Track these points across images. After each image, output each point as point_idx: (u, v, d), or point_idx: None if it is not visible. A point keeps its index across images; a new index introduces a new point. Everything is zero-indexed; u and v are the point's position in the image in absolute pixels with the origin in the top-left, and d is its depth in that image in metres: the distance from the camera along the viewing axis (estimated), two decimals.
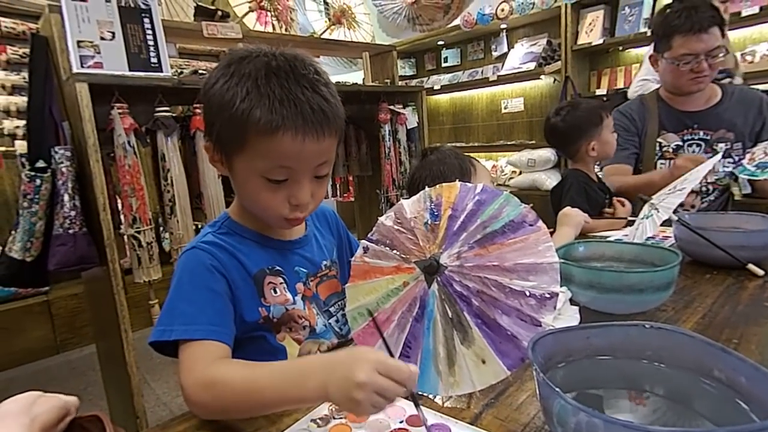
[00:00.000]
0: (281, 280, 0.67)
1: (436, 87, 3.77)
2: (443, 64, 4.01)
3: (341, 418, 0.52)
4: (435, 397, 0.56)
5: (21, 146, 2.42)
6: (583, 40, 2.79)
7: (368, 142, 2.24)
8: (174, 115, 1.42)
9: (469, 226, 0.59)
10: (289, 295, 0.67)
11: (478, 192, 0.62)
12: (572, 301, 0.79)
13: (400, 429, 0.50)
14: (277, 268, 0.67)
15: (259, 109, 0.54)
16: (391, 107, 1.96)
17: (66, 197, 1.26)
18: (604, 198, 1.47)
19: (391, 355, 0.50)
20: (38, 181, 1.24)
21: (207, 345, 0.55)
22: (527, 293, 0.54)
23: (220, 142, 0.59)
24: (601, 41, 2.69)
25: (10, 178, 2.51)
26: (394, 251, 0.64)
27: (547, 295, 0.54)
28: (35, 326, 2.41)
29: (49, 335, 2.45)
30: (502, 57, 3.43)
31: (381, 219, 0.68)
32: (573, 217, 1.15)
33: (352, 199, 2.48)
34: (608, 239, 1.07)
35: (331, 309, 0.74)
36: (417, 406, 0.46)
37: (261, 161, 0.57)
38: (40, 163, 1.28)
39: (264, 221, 0.65)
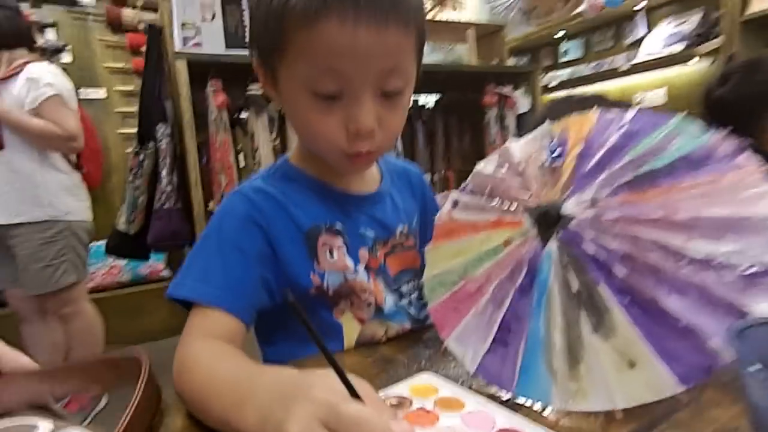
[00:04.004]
0: (340, 243, 0.54)
1: (553, 84, 3.45)
2: (562, 59, 3.67)
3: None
4: (543, 409, 0.38)
5: None
6: (756, 7, 2.27)
7: (472, 135, 2.07)
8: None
9: (613, 164, 0.41)
10: (349, 262, 0.54)
11: (628, 120, 0.43)
12: None
13: None
14: (337, 226, 0.54)
15: None
16: (499, 90, 1.78)
17: (164, 173, 1.32)
18: None
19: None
20: (141, 156, 1.32)
21: (213, 314, 0.45)
22: (720, 263, 0.34)
23: (262, 51, 0.49)
24: None
25: (128, 161, 2.85)
26: (494, 201, 0.47)
27: (759, 269, 0.33)
28: (157, 309, 2.67)
29: (167, 318, 2.69)
30: (637, 43, 3.01)
31: (478, 166, 0.53)
32: None
33: None
34: None
35: (403, 288, 0.59)
36: None
37: (304, 65, 0.44)
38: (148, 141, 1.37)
39: (324, 162, 0.53)
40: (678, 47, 2.62)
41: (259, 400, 0.30)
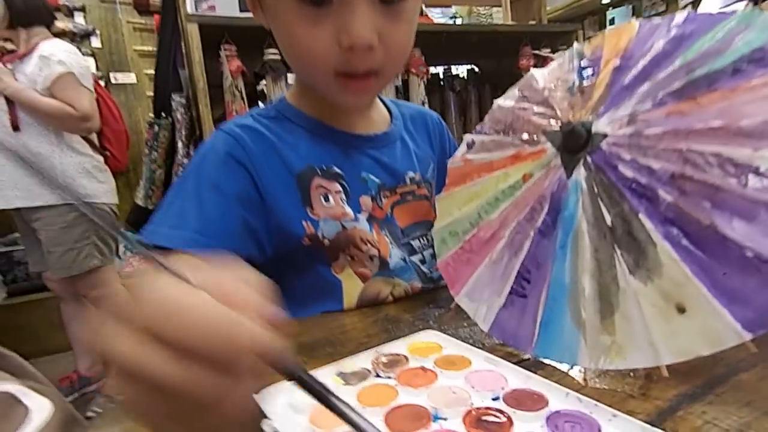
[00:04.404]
0: (338, 188, 0.50)
1: None
2: (609, 28, 3.47)
3: (388, 377, 0.33)
4: (571, 368, 0.32)
5: None
6: None
7: None
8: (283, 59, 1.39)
9: (657, 73, 0.34)
10: (347, 209, 0.49)
11: (678, 23, 0.36)
12: None
13: (486, 410, 0.27)
14: (335, 169, 0.50)
15: None
16: (536, 52, 1.66)
17: (180, 144, 1.31)
18: None
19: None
20: (156, 128, 1.32)
21: (186, 261, 0.41)
22: None
23: None
24: None
25: None
26: (512, 136, 0.41)
27: None
28: None
29: None
30: (693, 5, 2.79)
31: (498, 101, 0.47)
32: None
33: None
34: None
35: (413, 243, 0.54)
36: (313, 393, 0.19)
37: None
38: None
39: (324, 99, 0.48)
40: (740, 5, 2.39)
41: None
